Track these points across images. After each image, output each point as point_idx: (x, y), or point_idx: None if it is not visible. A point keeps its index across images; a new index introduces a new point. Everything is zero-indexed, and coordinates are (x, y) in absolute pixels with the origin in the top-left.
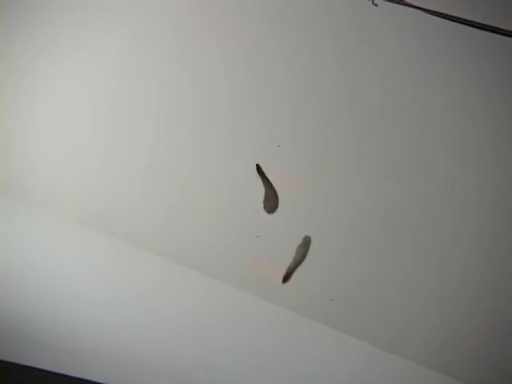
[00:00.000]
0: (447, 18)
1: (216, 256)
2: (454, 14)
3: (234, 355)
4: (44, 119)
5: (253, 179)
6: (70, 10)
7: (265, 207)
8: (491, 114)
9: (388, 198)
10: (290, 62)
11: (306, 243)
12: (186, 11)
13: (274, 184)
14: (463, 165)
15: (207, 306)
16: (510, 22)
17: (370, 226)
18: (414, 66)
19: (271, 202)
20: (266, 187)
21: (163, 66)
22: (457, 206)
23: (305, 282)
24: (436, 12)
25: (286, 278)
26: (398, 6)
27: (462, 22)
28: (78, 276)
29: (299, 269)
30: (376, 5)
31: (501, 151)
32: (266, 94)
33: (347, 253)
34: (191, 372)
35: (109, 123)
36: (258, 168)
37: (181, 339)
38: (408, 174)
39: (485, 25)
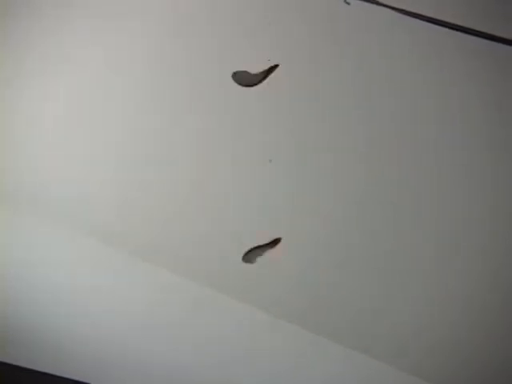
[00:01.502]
0: (423, 19)
1: (184, 251)
2: (429, 14)
3: (202, 354)
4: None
5: (224, 173)
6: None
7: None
8: (484, 114)
9: (383, 193)
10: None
11: None
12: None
13: None
14: (462, 166)
15: (170, 301)
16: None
17: (366, 222)
18: (395, 66)
19: None
20: None
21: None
22: (454, 205)
23: (280, 280)
24: (411, 12)
25: None
26: (372, 5)
27: (437, 24)
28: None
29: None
30: (348, 3)
31: (494, 152)
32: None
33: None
34: (152, 367)
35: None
36: None
37: (144, 333)
38: (399, 175)
39: (460, 26)
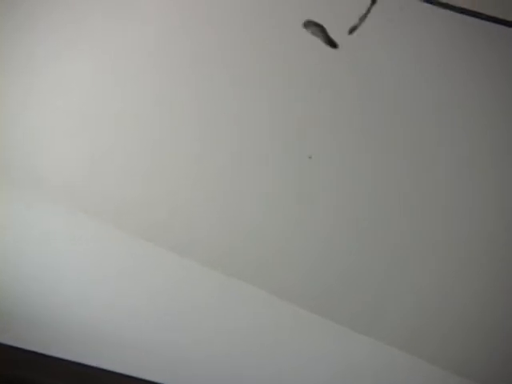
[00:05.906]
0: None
1: (192, 236)
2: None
3: (212, 339)
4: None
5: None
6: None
7: None
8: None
9: (392, 187)
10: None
11: None
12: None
13: None
14: (467, 164)
15: (186, 287)
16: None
17: (379, 212)
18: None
19: None
20: None
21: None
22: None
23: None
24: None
25: None
26: None
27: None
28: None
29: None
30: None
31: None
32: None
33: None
34: (160, 352)
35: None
36: None
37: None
38: (411, 171)
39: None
